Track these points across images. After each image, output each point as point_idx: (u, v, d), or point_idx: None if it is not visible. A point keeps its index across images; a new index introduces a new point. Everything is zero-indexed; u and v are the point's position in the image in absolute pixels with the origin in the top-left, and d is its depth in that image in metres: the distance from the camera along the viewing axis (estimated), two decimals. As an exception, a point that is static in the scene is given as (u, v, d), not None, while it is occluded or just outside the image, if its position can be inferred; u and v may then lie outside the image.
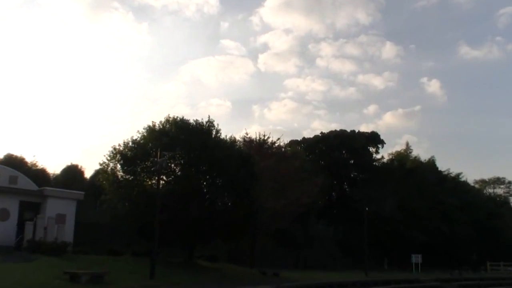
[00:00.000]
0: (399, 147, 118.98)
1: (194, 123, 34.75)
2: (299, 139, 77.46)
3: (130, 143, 33.60)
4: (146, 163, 33.21)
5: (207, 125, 35.10)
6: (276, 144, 49.15)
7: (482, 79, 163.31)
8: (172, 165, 33.81)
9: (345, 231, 66.55)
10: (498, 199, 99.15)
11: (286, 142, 58.69)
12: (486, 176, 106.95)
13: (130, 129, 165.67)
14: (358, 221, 56.36)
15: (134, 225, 33.21)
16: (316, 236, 62.70)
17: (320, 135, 78.33)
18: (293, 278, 34.61)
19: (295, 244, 56.82)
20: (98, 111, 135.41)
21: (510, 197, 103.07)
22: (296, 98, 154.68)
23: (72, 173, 51.76)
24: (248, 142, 47.10)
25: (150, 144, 33.03)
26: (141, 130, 34.35)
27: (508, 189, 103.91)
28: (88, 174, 54.88)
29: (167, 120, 34.63)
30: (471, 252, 60.27)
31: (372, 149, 79.66)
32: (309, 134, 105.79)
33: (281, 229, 48.59)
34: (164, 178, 33.34)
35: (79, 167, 54.08)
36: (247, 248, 46.73)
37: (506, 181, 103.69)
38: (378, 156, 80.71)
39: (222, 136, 35.92)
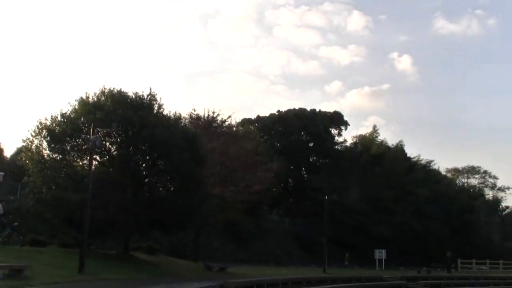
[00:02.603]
0: (364, 129, 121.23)
1: (134, 96, 34.51)
2: (253, 118, 77.94)
3: (59, 117, 33.09)
4: (77, 140, 32.88)
5: (148, 99, 34.92)
6: (227, 123, 49.36)
7: (459, 57, 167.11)
8: (107, 143, 33.65)
9: (302, 223, 67.45)
10: (472, 190, 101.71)
11: (238, 121, 59.02)
12: (460, 164, 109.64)
13: (59, 102, 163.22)
14: (317, 212, 57.31)
15: (61, 212, 32.83)
16: (270, 228, 63.40)
17: (276, 113, 78.85)
18: (241, 274, 35.11)
19: (246, 237, 57.37)
20: (19, 78, 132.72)
21: (485, 189, 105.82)
22: (250, 71, 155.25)
23: (-11, 151, 50.98)
24: (195, 120, 47.16)
25: (82, 119, 32.67)
26: (72, 102, 33.96)
27: (483, 180, 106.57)
28: (8, 152, 54.19)
29: (102, 92, 34.25)
30: (442, 248, 62.04)
31: (334, 131, 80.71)
32: (264, 112, 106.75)
33: (230, 219, 48.98)
34: (98, 158, 33.21)
35: (-2, 144, 53.30)
36: (191, 240, 47.03)
37: (482, 170, 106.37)
38: (341, 139, 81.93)
39: (165, 112, 35.85)
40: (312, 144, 78.64)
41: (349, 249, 64.61)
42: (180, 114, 38.68)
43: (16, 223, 31.01)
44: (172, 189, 35.72)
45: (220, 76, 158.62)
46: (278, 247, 62.50)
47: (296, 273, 39.35)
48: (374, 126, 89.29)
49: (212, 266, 36.92)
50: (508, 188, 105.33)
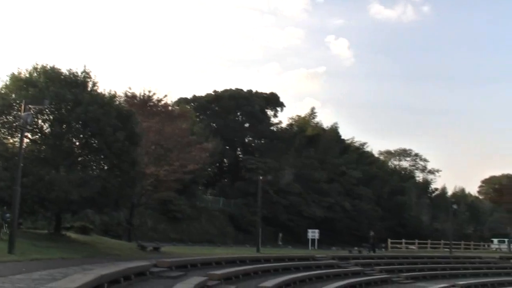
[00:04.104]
0: (300, 111, 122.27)
1: (67, 73, 33.84)
2: (189, 97, 77.61)
3: (-11, 93, 32.34)
4: (8, 117, 32.12)
5: (82, 76, 34.32)
6: (163, 102, 49.01)
7: (394, 43, 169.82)
8: (39, 121, 32.96)
9: (236, 203, 67.76)
10: (403, 172, 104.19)
11: (174, 100, 58.69)
12: (392, 147, 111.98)
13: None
14: (252, 192, 57.71)
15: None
16: (204, 208, 63.48)
17: (213, 93, 78.81)
18: (175, 254, 35.05)
19: (180, 216, 57.28)
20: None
21: (416, 171, 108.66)
22: (187, 50, 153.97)
23: None
24: (131, 98, 46.65)
25: (13, 95, 31.90)
26: (3, 78, 33.13)
27: (414, 162, 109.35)
28: None
29: (35, 68, 33.43)
30: (374, 228, 63.50)
31: (270, 112, 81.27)
32: (200, 92, 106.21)
33: (164, 199, 48.79)
34: (29, 136, 32.50)
35: None
36: (124, 220, 46.70)
37: (413, 153, 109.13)
38: (276, 121, 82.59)
39: (100, 90, 35.26)
40: (248, 124, 79.01)
41: (283, 229, 65.33)
42: (115, 92, 37.96)
43: (7, 214, 30.04)
44: (105, 167, 35.29)
45: (157, 55, 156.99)
46: (212, 227, 62.68)
47: (230, 253, 39.55)
48: (312, 108, 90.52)
49: (145, 246, 36.72)
50: (438, 171, 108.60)
